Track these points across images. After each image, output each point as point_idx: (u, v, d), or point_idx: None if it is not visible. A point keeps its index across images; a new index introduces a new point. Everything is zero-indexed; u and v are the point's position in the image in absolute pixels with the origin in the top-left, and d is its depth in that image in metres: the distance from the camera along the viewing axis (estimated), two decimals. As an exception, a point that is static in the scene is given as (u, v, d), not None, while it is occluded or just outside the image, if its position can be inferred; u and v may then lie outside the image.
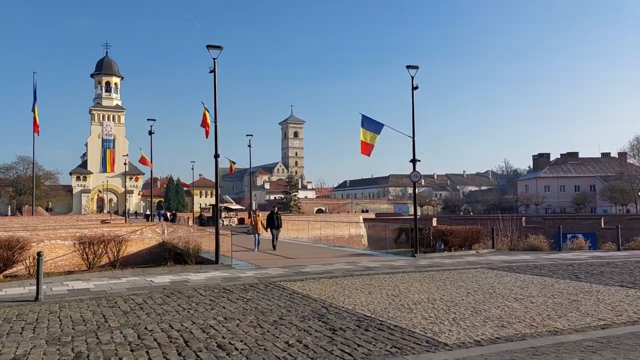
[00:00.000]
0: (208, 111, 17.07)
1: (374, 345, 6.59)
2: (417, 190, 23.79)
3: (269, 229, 22.18)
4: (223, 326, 7.71)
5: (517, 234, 25.97)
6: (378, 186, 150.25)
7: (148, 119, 34.31)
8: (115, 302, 9.91)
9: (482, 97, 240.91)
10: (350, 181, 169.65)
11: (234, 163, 38.47)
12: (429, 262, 16.88)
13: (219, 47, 16.37)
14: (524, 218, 43.21)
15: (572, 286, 11.49)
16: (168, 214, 50.48)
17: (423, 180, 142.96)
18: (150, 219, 53.77)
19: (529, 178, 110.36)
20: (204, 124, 17.19)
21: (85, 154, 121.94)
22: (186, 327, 7.65)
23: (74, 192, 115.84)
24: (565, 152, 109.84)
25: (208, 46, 16.28)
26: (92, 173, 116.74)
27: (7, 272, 13.48)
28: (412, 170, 19.65)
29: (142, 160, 33.56)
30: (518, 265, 15.88)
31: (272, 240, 22.01)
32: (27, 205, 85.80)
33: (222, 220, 56.27)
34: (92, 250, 14.80)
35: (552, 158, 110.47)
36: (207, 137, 16.99)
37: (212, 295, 10.58)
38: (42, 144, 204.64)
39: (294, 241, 29.05)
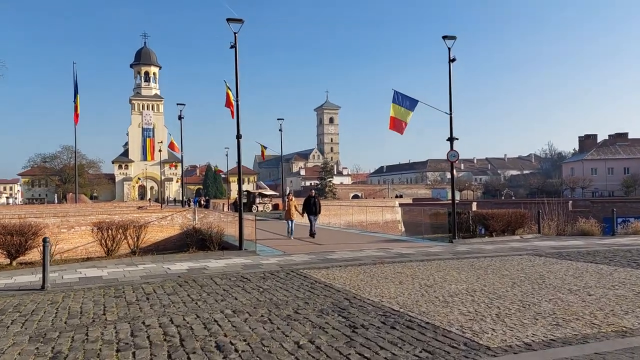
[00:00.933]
0: (230, 89, 16.16)
1: (400, 348, 5.49)
2: (456, 174, 22.40)
3: (305, 215, 19.88)
4: (229, 321, 6.78)
5: (564, 219, 24.22)
6: (416, 171, 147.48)
7: (178, 104, 33.92)
8: (123, 292, 9.15)
9: (525, 77, 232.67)
10: (387, 166, 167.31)
11: (265, 148, 37.71)
12: (468, 248, 15.58)
13: (239, 21, 15.37)
14: (570, 202, 40.73)
15: (634, 275, 10.03)
16: (202, 200, 50.36)
17: (462, 165, 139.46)
18: (186, 205, 54.00)
19: (575, 161, 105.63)
20: (228, 103, 16.30)
21: (127, 143, 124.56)
22: (187, 322, 6.76)
23: (116, 180, 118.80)
24: (613, 133, 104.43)
25: (228, 19, 15.30)
26: (133, 161, 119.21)
27: (21, 258, 13.04)
28: (449, 149, 18.22)
29: (171, 146, 33.22)
30: (568, 251, 14.39)
31: (309, 228, 19.70)
32: (70, 194, 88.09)
33: (257, 206, 55.94)
34: (111, 236, 14.20)
35: (599, 139, 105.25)
36: (232, 118, 16.10)
37: (227, 285, 9.70)
38: (86, 134, 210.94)
39: (326, 227, 28.06)
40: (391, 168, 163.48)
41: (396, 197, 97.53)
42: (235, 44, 15.36)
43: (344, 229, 26.60)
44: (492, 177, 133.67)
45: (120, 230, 14.37)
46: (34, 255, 13.17)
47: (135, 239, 14.60)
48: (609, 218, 26.67)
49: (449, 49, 17.75)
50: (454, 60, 17.85)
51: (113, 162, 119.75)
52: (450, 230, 18.79)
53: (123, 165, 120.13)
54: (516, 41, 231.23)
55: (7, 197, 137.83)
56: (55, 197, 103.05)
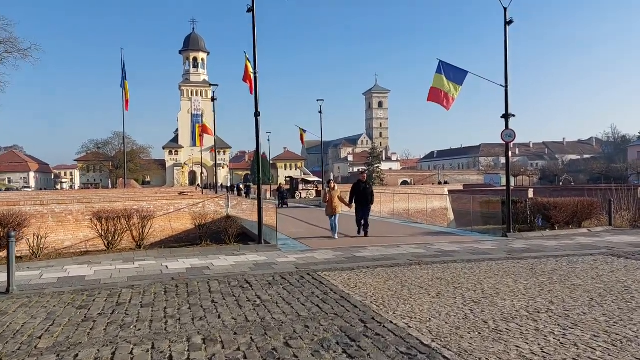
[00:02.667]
0: (250, 61, 14.26)
1: None
2: (511, 158, 19.74)
3: (353, 205, 15.67)
4: (188, 359, 4.91)
5: (636, 207, 21.06)
6: (468, 156, 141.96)
7: (210, 84, 32.46)
8: (94, 300, 7.48)
9: (585, 54, 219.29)
10: (438, 152, 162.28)
11: (304, 131, 35.85)
12: (525, 245, 13.12)
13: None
14: (639, 188, 36.78)
15: None
16: (242, 185, 49.14)
17: (517, 149, 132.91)
18: (228, 190, 53.08)
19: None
20: (246, 77, 14.42)
21: (177, 129, 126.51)
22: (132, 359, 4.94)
23: (167, 165, 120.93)
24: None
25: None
26: (183, 147, 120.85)
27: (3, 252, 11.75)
28: (504, 129, 15.65)
29: (204, 129, 31.96)
30: (653, 251, 11.72)
31: (357, 222, 15.49)
32: (120, 179, 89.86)
33: (300, 193, 54.37)
34: (112, 227, 12.71)
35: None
36: (251, 93, 14.23)
37: (222, 292, 7.86)
38: (138, 121, 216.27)
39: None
40: (442, 153, 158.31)
41: (439, 183, 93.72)
42: (253, 6, 13.41)
43: (385, 219, 24.38)
44: (550, 162, 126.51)
45: (123, 221, 12.88)
46: (23, 247, 11.89)
47: (141, 230, 13.06)
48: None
49: (505, 9, 15.11)
50: (510, 22, 15.19)
51: (164, 148, 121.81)
52: (504, 221, 16.28)
53: (173, 151, 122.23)
54: (576, 17, 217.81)
55: (68, 182, 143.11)
56: (109, 182, 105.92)
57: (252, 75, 13.87)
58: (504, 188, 17.96)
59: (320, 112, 33.13)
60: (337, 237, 14.71)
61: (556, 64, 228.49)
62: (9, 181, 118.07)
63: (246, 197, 43.95)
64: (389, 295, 7.52)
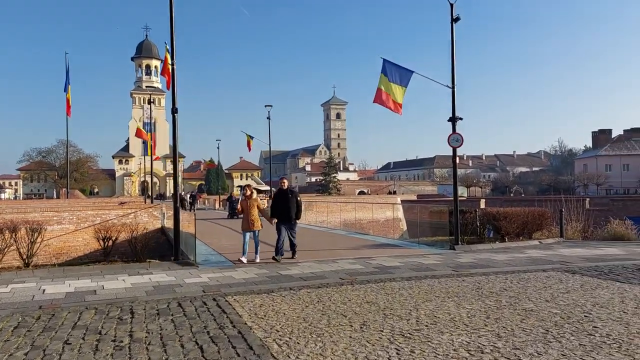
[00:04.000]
0: (169, 51, 12.54)
1: None
2: (464, 171, 18.71)
3: (275, 221, 11.97)
4: None
5: (585, 218, 20.48)
6: (423, 167, 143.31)
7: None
8: None
9: (532, 70, 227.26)
10: (394, 162, 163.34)
11: (251, 138, 34.17)
12: (473, 259, 11.89)
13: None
14: (587, 199, 36.85)
15: None
16: (187, 195, 46.73)
17: (470, 162, 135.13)
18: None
19: (588, 157, 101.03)
20: (164, 71, 12.69)
21: (128, 138, 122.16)
22: None
23: (116, 175, 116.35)
24: (629, 128, 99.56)
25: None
26: (134, 156, 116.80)
27: None
28: (451, 133, 14.51)
29: (138, 134, 29.73)
30: (608, 265, 10.69)
31: (277, 241, 11.86)
32: (63, 189, 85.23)
33: (250, 203, 52.42)
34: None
35: (613, 135, 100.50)
36: (168, 88, 12.53)
37: (88, 328, 6.10)
38: (86, 129, 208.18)
39: (311, 226, 24.43)
40: (398, 164, 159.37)
41: (389, 193, 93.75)
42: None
43: (332, 230, 22.94)
44: (501, 174, 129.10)
45: (7, 234, 10.81)
46: None
47: (29, 245, 11.00)
48: (636, 217, 22.91)
49: (452, 5, 14.03)
50: (457, 19, 14.12)
51: (113, 157, 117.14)
52: (452, 232, 15.11)
53: (123, 160, 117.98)
54: (523, 33, 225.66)
55: (12, 193, 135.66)
56: (54, 192, 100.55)
57: (170, 68, 12.17)
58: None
59: (268, 118, 31.57)
60: (245, 261, 11.45)
61: (507, 78, 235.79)
62: None
63: (191, 207, 41.81)
64: (301, 328, 5.97)
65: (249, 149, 33.91)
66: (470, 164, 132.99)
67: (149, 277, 9.66)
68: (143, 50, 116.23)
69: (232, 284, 8.98)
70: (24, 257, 10.97)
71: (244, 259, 11.55)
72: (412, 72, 14.50)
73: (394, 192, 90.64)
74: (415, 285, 8.61)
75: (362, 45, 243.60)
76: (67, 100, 53.78)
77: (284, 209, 11.92)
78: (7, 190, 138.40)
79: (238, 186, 61.75)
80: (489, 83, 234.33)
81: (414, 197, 63.21)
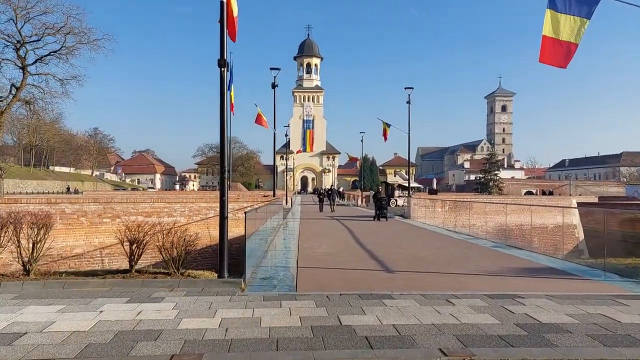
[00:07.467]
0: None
1: None
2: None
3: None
4: None
5: None
6: (606, 166, 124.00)
7: (271, 68, 28.08)
8: None
9: None
10: (570, 160, 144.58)
11: (388, 126, 30.03)
12: None
13: None
14: None
15: None
16: (325, 190, 43.91)
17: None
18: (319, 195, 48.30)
19: None
20: (229, 22, 9.33)
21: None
22: None
23: (277, 170, 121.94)
24: None
25: None
26: (293, 152, 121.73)
27: None
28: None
29: (258, 120, 27.59)
30: None
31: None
32: (229, 182, 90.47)
33: (396, 200, 48.07)
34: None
35: None
36: (234, 40, 9.16)
37: None
38: (252, 127, 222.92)
39: (447, 232, 19.37)
40: (575, 162, 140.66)
41: (544, 194, 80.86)
42: None
43: (471, 238, 17.29)
44: None
45: (11, 229, 8.29)
46: None
47: (30, 246, 8.36)
48: None
49: None
50: None
51: (276, 153, 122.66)
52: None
53: (284, 156, 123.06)
54: None
55: (191, 185, 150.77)
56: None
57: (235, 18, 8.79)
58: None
59: (408, 102, 27.07)
60: None
61: None
62: (138, 182, 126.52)
63: (332, 203, 38.54)
64: None
65: (385, 139, 29.88)
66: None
67: (140, 309, 6.25)
68: (305, 49, 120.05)
69: (252, 338, 5.09)
70: (24, 260, 8.42)
71: None
72: (598, -2, 9.09)
73: (551, 193, 78.23)
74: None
75: (528, 31, 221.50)
76: (230, 98, 55.65)
77: None
78: (190, 182, 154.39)
79: (382, 182, 57.70)
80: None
81: (594, 200, 52.42)
